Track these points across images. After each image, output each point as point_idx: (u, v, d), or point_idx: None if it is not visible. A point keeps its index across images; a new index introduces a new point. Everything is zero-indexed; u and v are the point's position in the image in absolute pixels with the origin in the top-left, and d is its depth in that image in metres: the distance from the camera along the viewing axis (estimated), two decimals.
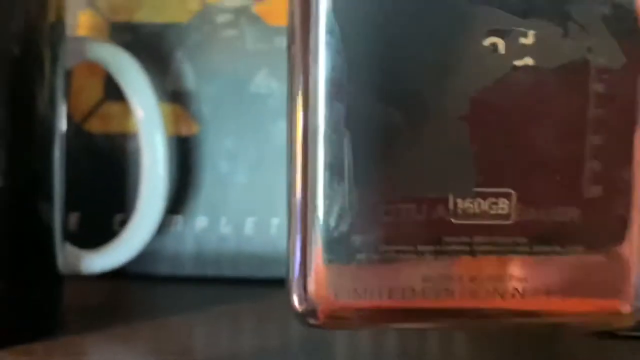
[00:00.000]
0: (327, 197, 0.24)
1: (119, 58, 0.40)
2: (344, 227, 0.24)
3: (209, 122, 0.46)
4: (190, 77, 0.46)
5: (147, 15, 0.46)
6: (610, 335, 0.36)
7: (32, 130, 0.35)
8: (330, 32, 0.23)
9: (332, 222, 0.24)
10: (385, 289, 0.24)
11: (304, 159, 0.24)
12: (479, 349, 0.37)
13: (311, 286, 0.24)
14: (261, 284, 0.45)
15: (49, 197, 0.36)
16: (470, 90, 0.24)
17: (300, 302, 0.24)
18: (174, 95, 0.46)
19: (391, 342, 0.36)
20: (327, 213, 0.24)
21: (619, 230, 0.25)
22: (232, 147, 0.46)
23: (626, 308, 0.25)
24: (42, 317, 0.36)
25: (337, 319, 0.24)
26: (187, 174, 0.46)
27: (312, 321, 0.24)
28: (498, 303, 0.24)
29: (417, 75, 0.24)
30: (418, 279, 0.24)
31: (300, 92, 0.24)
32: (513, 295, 0.24)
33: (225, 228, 0.46)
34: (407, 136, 0.24)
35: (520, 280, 0.24)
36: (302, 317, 0.24)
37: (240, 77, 0.46)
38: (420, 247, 0.24)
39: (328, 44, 0.23)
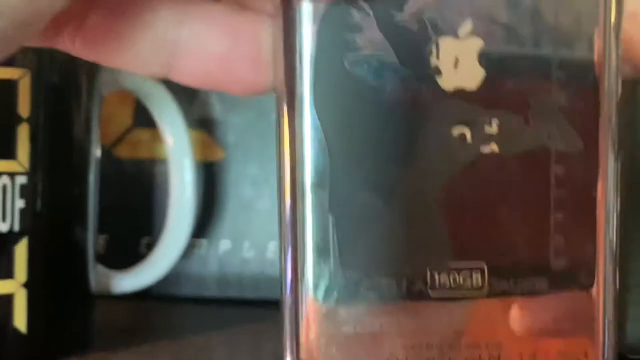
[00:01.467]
0: (315, 274, 0.26)
1: (150, 87, 0.41)
2: (330, 302, 0.26)
3: (234, 149, 0.48)
4: (216, 105, 0.48)
5: None
6: (620, 356, 0.38)
7: (70, 156, 0.37)
8: (314, 127, 0.25)
9: (320, 297, 0.26)
10: (370, 358, 0.26)
11: (294, 241, 0.26)
12: None
13: (303, 356, 0.26)
14: None
15: (83, 220, 0.38)
16: (443, 176, 0.26)
17: None
18: (201, 123, 0.48)
19: None
20: (315, 289, 0.26)
21: (585, 300, 0.27)
22: (256, 174, 0.48)
23: None
24: (76, 334, 0.38)
25: None
26: (212, 198, 0.48)
27: None
28: None
29: (394, 163, 0.26)
30: (400, 348, 0.26)
31: (288, 180, 0.26)
32: None
33: (248, 252, 0.48)
34: (386, 218, 0.26)
35: (496, 348, 0.26)
36: None
37: (265, 106, 0.47)
38: (401, 319, 0.26)
39: (312, 138, 0.25)
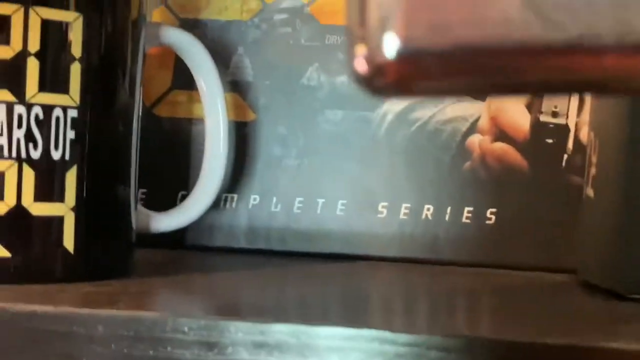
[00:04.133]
0: None
1: (189, 43, 0.45)
2: None
3: (264, 110, 0.52)
4: (248, 69, 0.52)
5: (212, 13, 0.52)
6: (619, 296, 0.40)
7: (116, 96, 0.40)
8: None
9: None
10: (472, 18, 0.17)
11: None
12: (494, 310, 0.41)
13: (374, 23, 0.17)
14: (306, 258, 0.50)
15: (127, 158, 0.42)
16: None
17: (362, 54, 0.18)
18: (234, 85, 0.51)
19: None
20: None
21: None
22: (284, 134, 0.51)
23: None
24: (119, 261, 0.41)
25: (412, 77, 0.18)
26: (243, 156, 0.51)
27: (378, 82, 0.18)
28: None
29: None
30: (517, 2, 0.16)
31: None
32: None
33: (275, 206, 0.51)
34: None
35: None
36: (365, 78, 0.18)
37: (294, 71, 0.51)
38: None
39: None
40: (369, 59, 0.18)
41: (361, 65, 0.18)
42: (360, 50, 0.18)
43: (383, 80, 0.18)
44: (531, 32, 0.17)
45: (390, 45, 0.17)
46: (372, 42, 0.18)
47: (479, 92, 0.21)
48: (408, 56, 0.17)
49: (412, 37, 0.17)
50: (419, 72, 0.18)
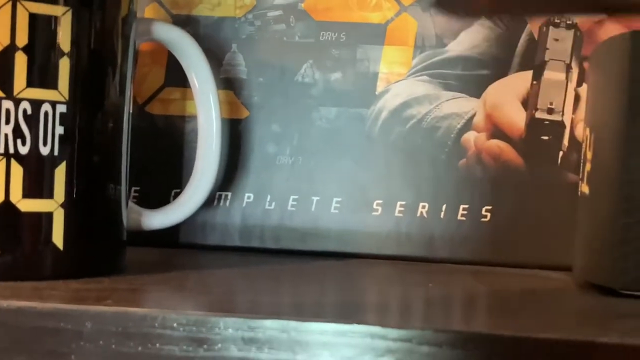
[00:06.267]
0: None
1: (181, 39, 0.45)
2: None
3: (258, 107, 0.51)
4: (242, 66, 0.51)
5: (205, 9, 0.52)
6: (613, 293, 0.40)
7: (106, 92, 0.40)
8: None
9: None
10: None
11: None
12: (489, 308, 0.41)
13: None
14: (301, 256, 0.50)
15: (117, 155, 0.41)
16: None
17: None
18: (228, 83, 0.51)
19: None
20: None
21: None
22: (278, 131, 0.51)
23: None
24: (109, 258, 0.41)
25: None
26: (236, 154, 0.51)
27: None
28: None
29: None
30: None
31: None
32: None
33: (270, 204, 0.51)
34: None
35: None
36: None
37: (288, 68, 0.51)
38: None
39: None
40: None
41: None
42: None
43: None
44: None
45: None
46: None
47: None
48: None
49: None
50: None
